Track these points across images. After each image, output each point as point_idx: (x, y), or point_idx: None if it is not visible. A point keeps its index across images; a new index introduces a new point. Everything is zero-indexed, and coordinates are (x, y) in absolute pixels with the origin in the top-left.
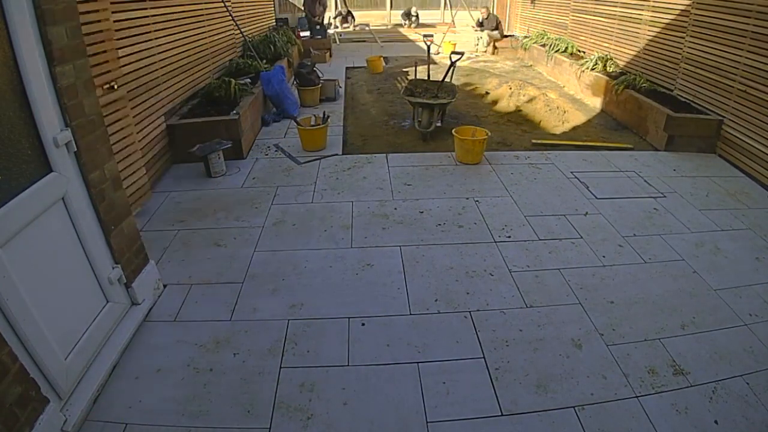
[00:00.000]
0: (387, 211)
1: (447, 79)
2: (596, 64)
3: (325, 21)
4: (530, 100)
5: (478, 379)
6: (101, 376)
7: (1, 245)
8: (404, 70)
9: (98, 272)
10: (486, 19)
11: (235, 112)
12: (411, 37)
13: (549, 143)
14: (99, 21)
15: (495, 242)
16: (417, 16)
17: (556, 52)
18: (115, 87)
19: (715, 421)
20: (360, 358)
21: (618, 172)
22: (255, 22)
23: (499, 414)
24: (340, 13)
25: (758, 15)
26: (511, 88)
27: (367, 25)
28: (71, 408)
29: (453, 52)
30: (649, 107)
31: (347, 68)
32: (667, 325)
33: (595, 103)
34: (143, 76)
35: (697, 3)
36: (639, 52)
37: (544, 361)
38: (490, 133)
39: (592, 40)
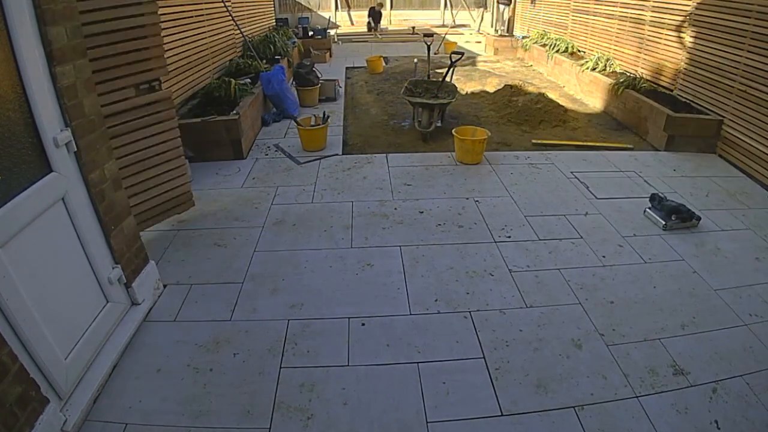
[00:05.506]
0: (387, 211)
1: (447, 79)
2: (596, 64)
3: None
4: (530, 100)
5: (478, 379)
6: (101, 376)
7: (1, 245)
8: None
9: (98, 272)
10: None
11: (235, 112)
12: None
13: (549, 143)
14: (142, 15)
15: (495, 242)
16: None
17: (556, 52)
18: (156, 87)
19: (715, 421)
20: (360, 358)
21: (618, 172)
22: (255, 22)
23: (499, 414)
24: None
25: (758, 15)
26: (512, 88)
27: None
28: (71, 408)
29: (453, 52)
30: (649, 107)
31: (347, 68)
32: (667, 325)
33: (595, 103)
34: None
35: (698, 3)
36: (639, 52)
37: (544, 361)
38: (490, 133)
39: (592, 40)
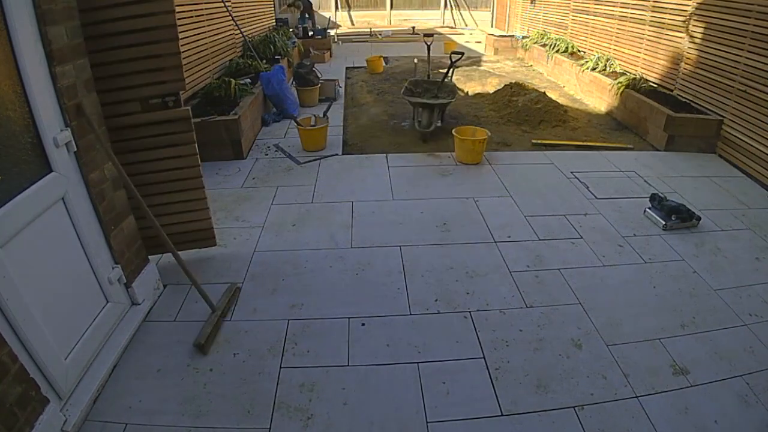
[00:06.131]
0: (387, 211)
1: (447, 79)
2: (596, 64)
3: None
4: (530, 100)
5: (478, 379)
6: (101, 376)
7: (1, 245)
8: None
9: (98, 272)
10: None
11: (234, 112)
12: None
13: (549, 143)
14: (153, 14)
15: (495, 242)
16: None
17: (556, 52)
18: (170, 104)
19: (715, 422)
20: (360, 358)
21: (618, 172)
22: (255, 22)
23: (499, 414)
24: None
25: (758, 15)
26: (512, 88)
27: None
28: (71, 408)
29: (453, 52)
30: (649, 107)
31: (347, 68)
32: (667, 325)
33: (595, 103)
34: None
35: (698, 3)
36: (639, 52)
37: (544, 361)
38: (490, 133)
39: (592, 40)
